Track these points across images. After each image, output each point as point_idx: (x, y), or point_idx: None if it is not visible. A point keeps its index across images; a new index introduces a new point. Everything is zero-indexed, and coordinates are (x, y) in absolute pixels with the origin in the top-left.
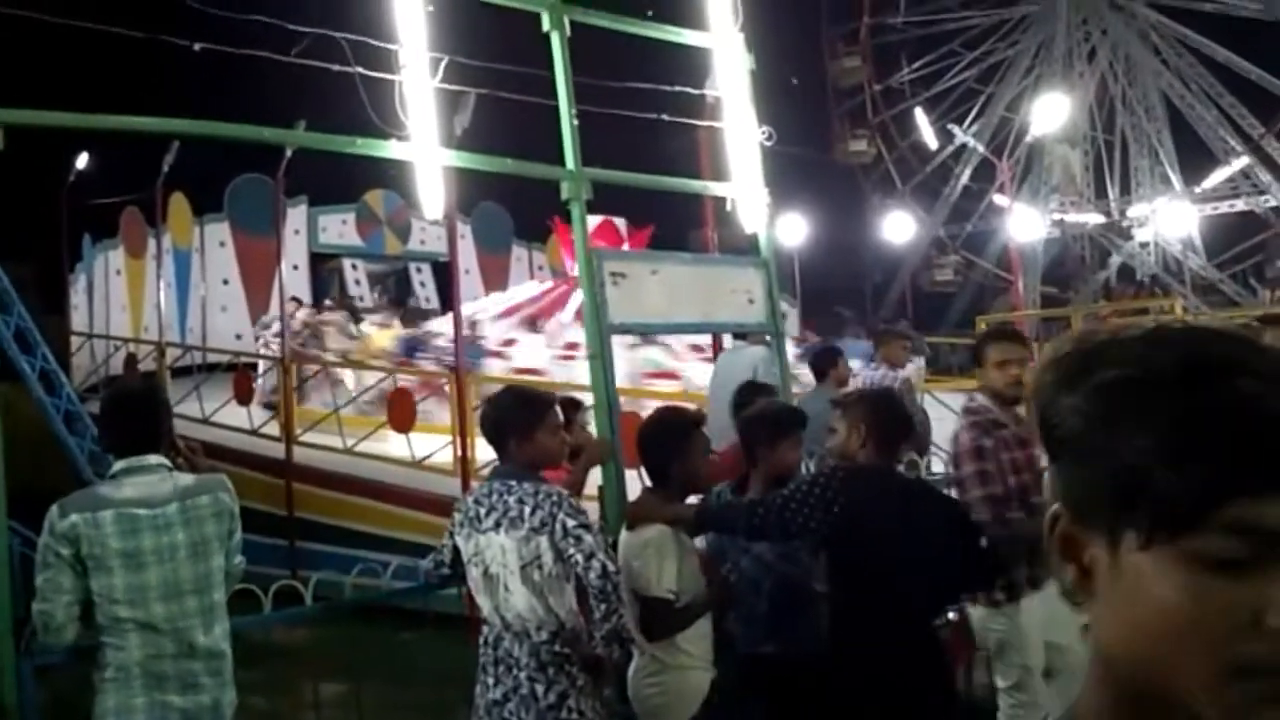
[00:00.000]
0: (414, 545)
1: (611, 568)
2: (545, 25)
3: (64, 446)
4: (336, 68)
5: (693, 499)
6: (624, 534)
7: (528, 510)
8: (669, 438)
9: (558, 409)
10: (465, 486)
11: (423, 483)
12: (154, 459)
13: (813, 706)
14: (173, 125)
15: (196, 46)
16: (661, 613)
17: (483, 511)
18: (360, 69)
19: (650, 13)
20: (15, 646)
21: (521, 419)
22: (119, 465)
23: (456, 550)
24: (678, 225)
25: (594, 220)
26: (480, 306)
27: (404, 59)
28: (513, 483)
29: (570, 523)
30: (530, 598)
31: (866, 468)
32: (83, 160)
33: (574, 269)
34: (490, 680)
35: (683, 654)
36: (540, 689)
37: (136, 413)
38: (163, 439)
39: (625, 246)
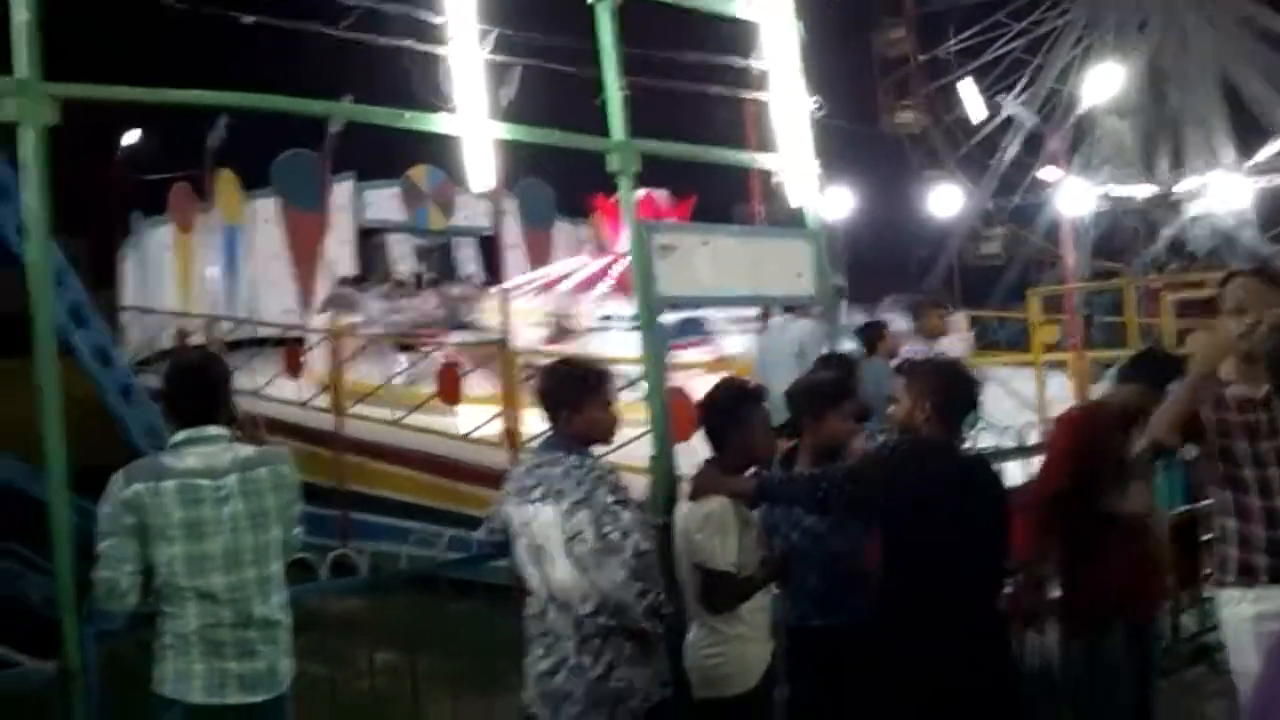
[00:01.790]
0: (465, 518)
1: (645, 545)
2: None
3: (118, 420)
4: (384, 40)
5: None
6: (685, 504)
7: (572, 484)
8: (731, 407)
9: (610, 384)
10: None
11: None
12: (215, 430)
13: (862, 680)
14: (224, 99)
15: (248, 19)
16: (725, 586)
17: (530, 483)
18: (409, 41)
19: None
20: (78, 614)
21: (573, 392)
22: (180, 435)
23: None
24: (721, 199)
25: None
26: (526, 280)
27: (452, 31)
28: (560, 454)
29: (609, 499)
30: (573, 571)
31: (929, 441)
32: (133, 137)
33: (617, 244)
34: (540, 651)
35: (743, 624)
36: (588, 660)
37: (198, 383)
38: (223, 410)
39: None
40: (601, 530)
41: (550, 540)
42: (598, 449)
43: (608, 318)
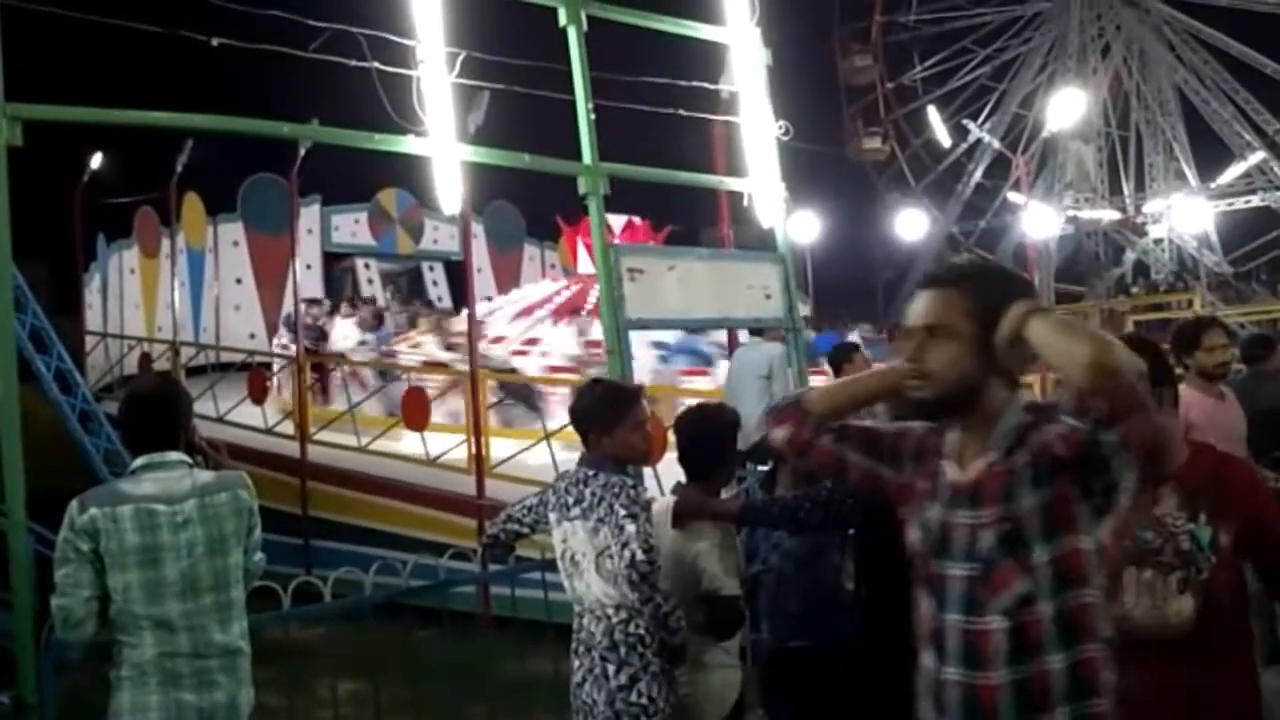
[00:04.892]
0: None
1: (641, 557)
2: (562, 20)
3: (79, 446)
4: (354, 63)
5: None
6: (673, 532)
7: (597, 500)
8: (722, 434)
9: (644, 404)
10: (480, 486)
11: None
12: (174, 455)
13: (842, 702)
14: (189, 120)
15: (214, 42)
16: (735, 611)
17: (570, 500)
18: (377, 64)
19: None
20: (35, 643)
21: (604, 414)
22: (139, 461)
23: (520, 525)
24: (691, 222)
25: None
26: (495, 305)
27: (421, 54)
28: (591, 472)
29: (621, 512)
30: (604, 584)
31: None
32: (97, 160)
33: (583, 267)
34: (575, 663)
35: (721, 651)
36: (611, 669)
37: (156, 410)
38: (182, 436)
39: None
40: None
41: (585, 556)
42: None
43: (533, 341)
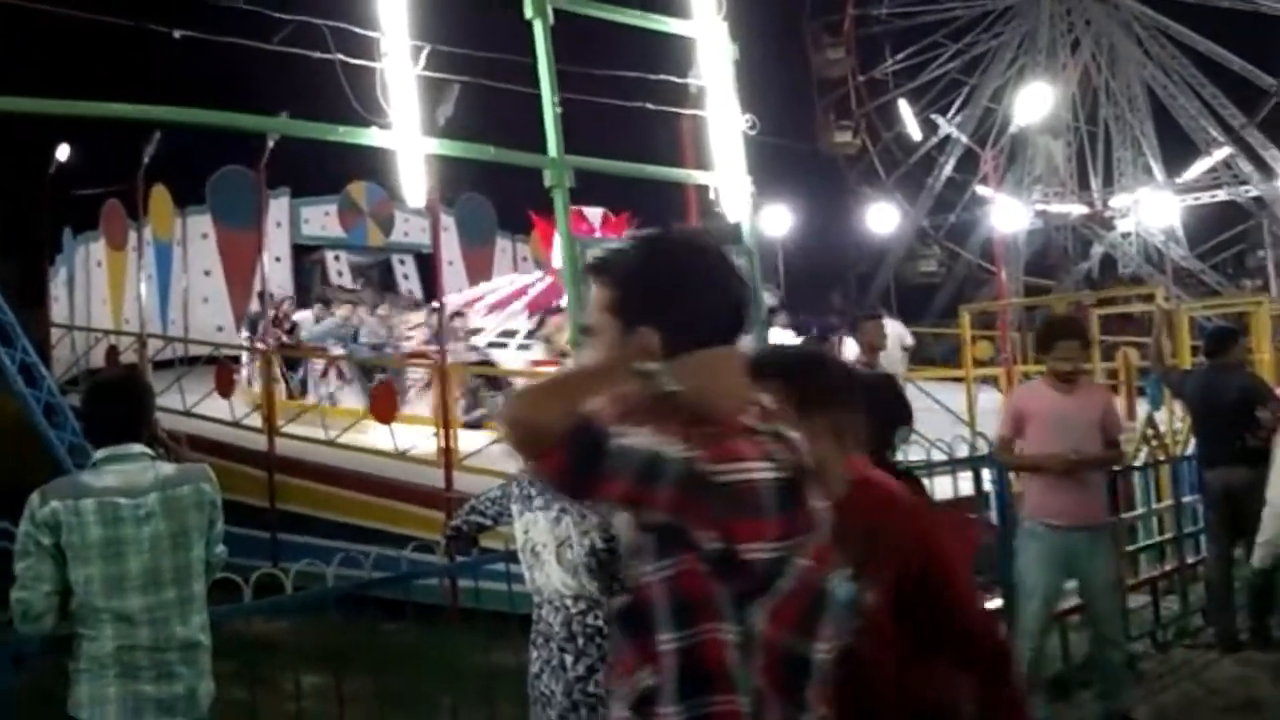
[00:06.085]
0: (398, 537)
1: (601, 546)
2: (528, 12)
3: (44, 439)
4: (318, 55)
5: None
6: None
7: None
8: None
9: None
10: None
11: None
12: (136, 448)
13: None
14: (152, 113)
15: (177, 34)
16: None
17: (533, 491)
18: (341, 56)
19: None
20: None
21: None
22: (101, 454)
23: (483, 517)
24: (661, 216)
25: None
26: (465, 298)
27: (386, 47)
28: None
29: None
30: (564, 574)
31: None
32: (64, 152)
33: (554, 260)
34: (533, 654)
35: None
36: (569, 659)
37: (118, 401)
38: (144, 428)
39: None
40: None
41: (545, 547)
42: None
43: (510, 333)
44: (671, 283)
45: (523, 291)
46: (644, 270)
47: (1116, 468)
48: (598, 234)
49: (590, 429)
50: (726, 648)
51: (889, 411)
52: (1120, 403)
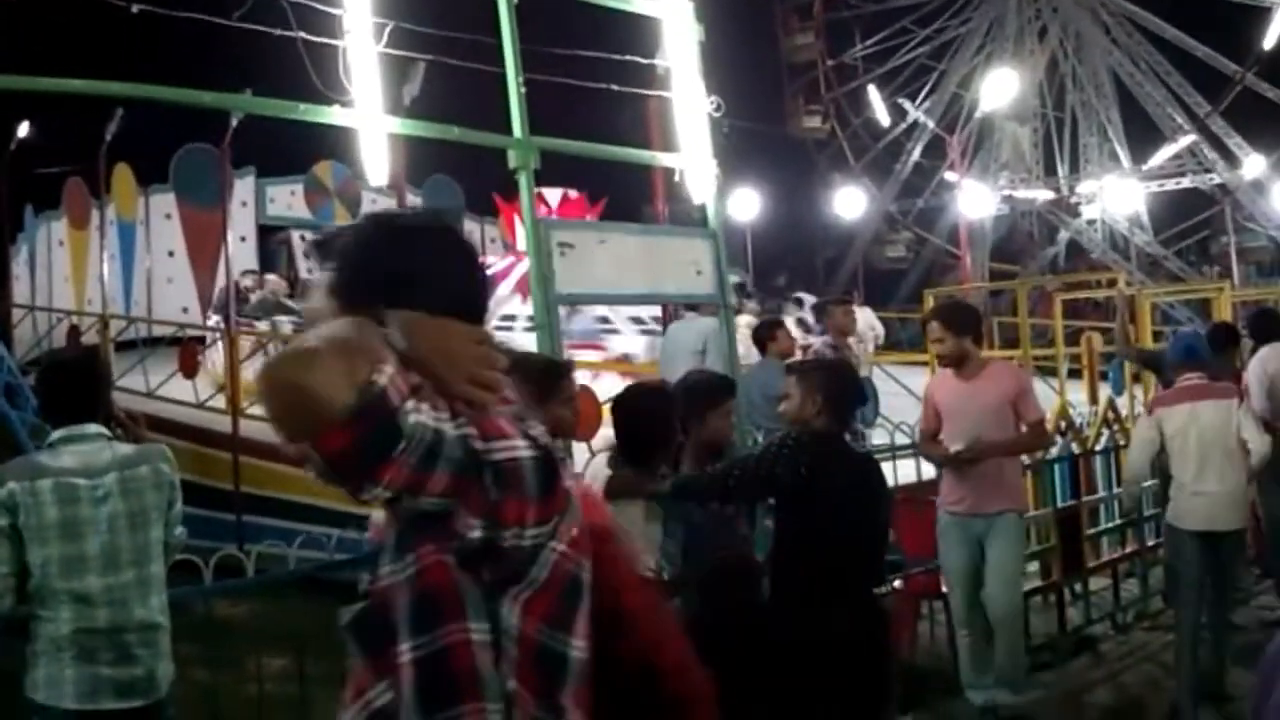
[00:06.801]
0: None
1: None
2: None
3: (4, 420)
4: (279, 32)
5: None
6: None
7: None
8: (660, 414)
9: (573, 379)
10: None
11: None
12: (93, 428)
13: (747, 671)
14: (110, 89)
15: (135, 8)
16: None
17: None
18: (302, 34)
19: None
20: None
21: (531, 389)
22: (57, 434)
23: None
24: (629, 198)
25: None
26: None
27: (348, 24)
28: None
29: None
30: None
31: (825, 434)
32: (24, 129)
33: (521, 243)
34: None
35: None
36: None
37: (74, 381)
38: (101, 408)
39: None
40: None
41: None
42: None
43: (510, 318)
44: (395, 264)
45: (506, 274)
46: (365, 251)
47: (1040, 451)
48: (554, 215)
49: (386, 404)
50: (475, 649)
51: (846, 394)
52: (1083, 387)
